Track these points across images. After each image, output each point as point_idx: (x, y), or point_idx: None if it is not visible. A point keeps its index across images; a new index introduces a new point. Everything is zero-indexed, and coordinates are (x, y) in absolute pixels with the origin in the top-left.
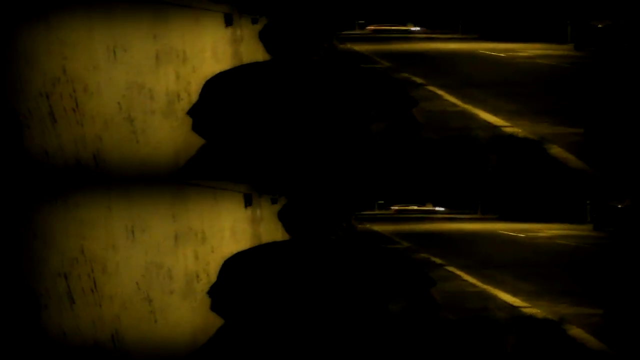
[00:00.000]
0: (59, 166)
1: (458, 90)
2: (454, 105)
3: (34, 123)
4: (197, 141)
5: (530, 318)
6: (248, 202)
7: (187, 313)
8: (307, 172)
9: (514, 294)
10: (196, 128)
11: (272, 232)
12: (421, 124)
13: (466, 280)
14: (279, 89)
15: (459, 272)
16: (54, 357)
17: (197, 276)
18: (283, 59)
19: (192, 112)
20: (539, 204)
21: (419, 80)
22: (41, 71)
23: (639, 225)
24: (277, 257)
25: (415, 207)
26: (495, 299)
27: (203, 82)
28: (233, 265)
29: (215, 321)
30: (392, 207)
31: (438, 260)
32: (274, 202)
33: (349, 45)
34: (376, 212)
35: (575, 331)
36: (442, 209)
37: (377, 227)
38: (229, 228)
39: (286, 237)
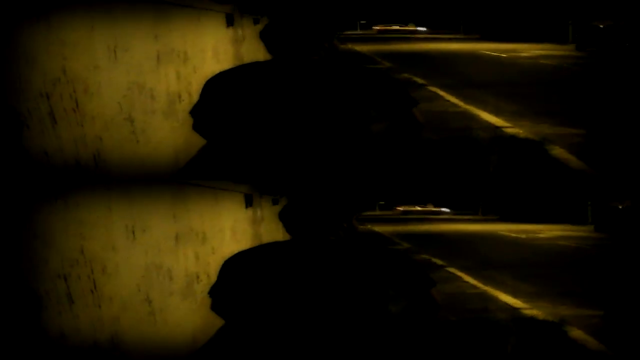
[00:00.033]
0: (59, 166)
1: (459, 91)
2: (455, 105)
3: (34, 123)
4: (197, 141)
5: (531, 319)
6: (249, 203)
7: (187, 314)
8: (308, 173)
9: (515, 295)
10: (197, 128)
11: (273, 232)
12: (422, 124)
13: (467, 282)
14: (279, 89)
15: (459, 273)
16: (54, 357)
17: (198, 277)
18: (284, 59)
19: (194, 111)
20: (539, 205)
21: (420, 80)
22: (41, 71)
23: (639, 227)
24: (278, 257)
25: (421, 208)
26: (495, 300)
27: (204, 82)
28: (233, 265)
29: (216, 322)
30: (398, 208)
31: (439, 262)
32: (275, 202)
33: (350, 46)
34: (382, 212)
35: (576, 332)
36: (447, 210)
37: (378, 228)
38: (229, 228)
39: (287, 237)
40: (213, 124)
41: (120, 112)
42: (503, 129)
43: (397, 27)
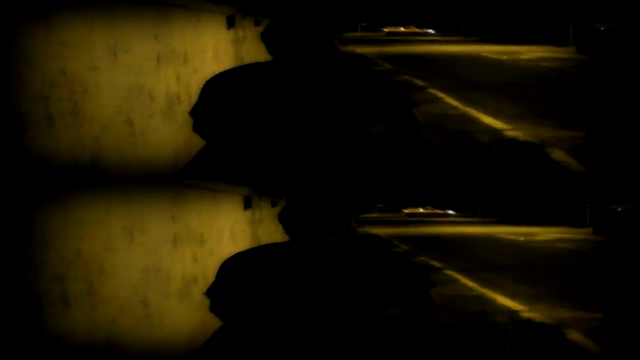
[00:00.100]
0: (58, 168)
1: (459, 93)
2: (455, 108)
3: (32, 125)
4: (197, 143)
5: (529, 322)
6: (247, 204)
7: (184, 316)
8: (307, 174)
9: (513, 297)
10: (197, 128)
11: (271, 234)
12: (422, 126)
13: (465, 284)
14: (279, 90)
15: (457, 276)
16: (50, 359)
17: (195, 279)
18: (284, 60)
19: (193, 112)
20: (538, 207)
21: (420, 82)
22: (40, 72)
23: (638, 229)
24: (276, 259)
25: (428, 211)
26: (494, 302)
27: (204, 83)
28: (232, 266)
29: (213, 324)
30: (404, 211)
31: (437, 264)
32: (274, 204)
33: (350, 48)
34: (385, 215)
35: (574, 335)
36: (452, 212)
37: (377, 230)
38: (228, 230)
39: (285, 239)
40: (212, 125)
41: (120, 114)
42: (503, 132)
43: (403, 30)
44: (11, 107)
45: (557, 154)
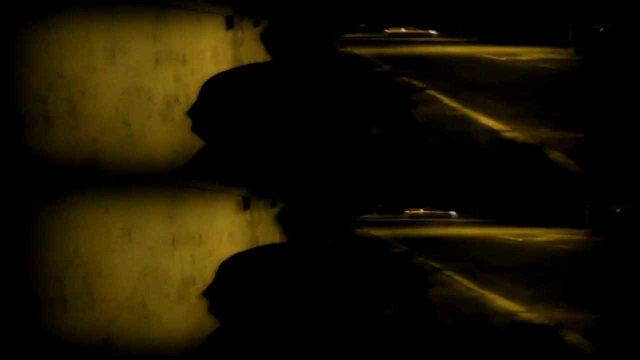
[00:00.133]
0: (56, 169)
1: (458, 94)
2: (454, 109)
3: (31, 125)
4: (195, 144)
5: (527, 323)
6: (246, 205)
7: (182, 317)
8: (306, 175)
9: (511, 298)
10: (195, 129)
11: (269, 235)
12: (420, 126)
13: (463, 285)
14: (278, 91)
15: (456, 277)
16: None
17: (193, 280)
18: (283, 60)
19: (191, 112)
20: (537, 208)
21: (419, 84)
22: (38, 73)
23: (637, 230)
24: (275, 260)
25: (427, 212)
26: (492, 303)
27: (202, 84)
28: (231, 267)
29: (211, 325)
30: (406, 212)
31: (435, 265)
32: (272, 205)
33: (349, 49)
34: (388, 215)
35: (572, 336)
36: (454, 213)
37: (375, 231)
38: (226, 231)
39: (283, 240)
40: (211, 125)
41: (118, 115)
42: (502, 133)
43: (405, 31)
44: (10, 107)
45: (556, 155)
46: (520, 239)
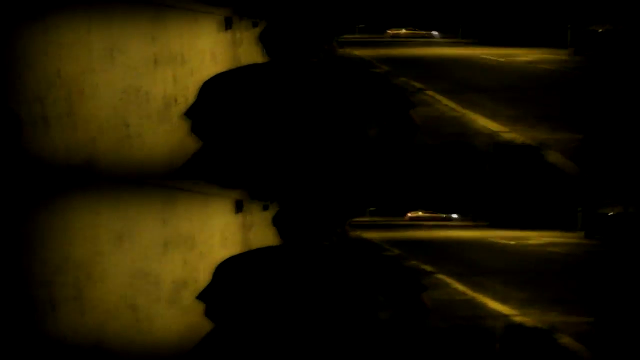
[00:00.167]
0: (53, 170)
1: (457, 95)
2: (452, 110)
3: (28, 126)
4: (192, 145)
5: (520, 326)
6: (239, 208)
7: (173, 321)
8: (303, 177)
9: (504, 301)
10: (194, 129)
11: (262, 238)
12: (418, 126)
13: (456, 288)
14: (275, 92)
15: (449, 280)
16: None
17: (185, 283)
18: (281, 62)
19: (189, 113)
20: (530, 211)
21: (417, 84)
22: (37, 74)
23: (630, 233)
24: (270, 263)
25: (430, 214)
26: (485, 306)
27: (200, 85)
28: (226, 270)
29: (202, 328)
30: (408, 215)
31: (428, 268)
32: (265, 208)
33: (348, 50)
34: (387, 218)
35: (565, 340)
36: (455, 216)
37: (368, 234)
38: (218, 234)
39: (276, 243)
40: (208, 126)
41: (116, 116)
42: (500, 134)
43: (408, 32)
44: (8, 108)
45: (554, 157)
46: (513, 242)
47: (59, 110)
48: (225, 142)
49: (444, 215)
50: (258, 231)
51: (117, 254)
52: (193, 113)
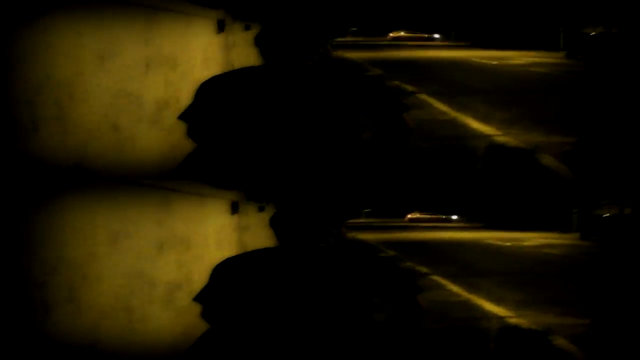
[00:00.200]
0: (43, 173)
1: (449, 98)
2: (445, 113)
3: (18, 129)
4: (184, 149)
5: (515, 328)
6: (234, 210)
7: (168, 322)
8: (298, 179)
9: (499, 303)
10: (189, 132)
11: (258, 240)
12: (411, 129)
13: (451, 289)
14: (271, 95)
15: (444, 281)
16: None
17: (180, 285)
18: (276, 65)
19: (184, 116)
20: (525, 212)
21: (410, 88)
22: (27, 77)
23: (626, 235)
24: (268, 264)
25: (430, 216)
26: (480, 308)
27: (193, 88)
28: (224, 272)
29: (197, 330)
30: (408, 216)
31: (423, 269)
32: (261, 209)
33: (340, 53)
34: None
35: (561, 341)
36: (455, 217)
37: (364, 236)
38: (214, 235)
39: (272, 245)
40: (204, 129)
41: (106, 119)
42: (493, 137)
43: (408, 34)
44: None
45: (547, 160)
46: (508, 243)
47: (49, 114)
48: (221, 143)
49: (444, 217)
50: (254, 233)
51: (112, 255)
52: (189, 116)
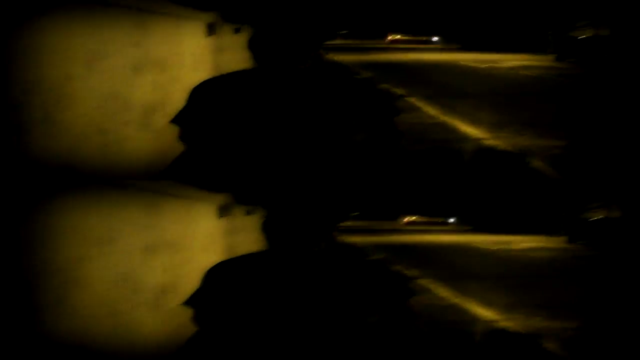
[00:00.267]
0: (30, 177)
1: (438, 102)
2: (434, 117)
3: (5, 133)
4: (172, 152)
5: (504, 331)
6: (223, 213)
7: (157, 326)
8: (289, 182)
9: (488, 306)
10: (182, 136)
11: (247, 243)
12: (402, 133)
13: (439, 293)
14: (262, 98)
15: (432, 285)
16: None
17: (167, 289)
18: (269, 68)
19: (177, 119)
20: (514, 216)
21: (399, 91)
22: (14, 80)
23: (614, 238)
24: (260, 268)
25: (427, 219)
26: (469, 311)
27: (182, 91)
28: (216, 275)
29: (184, 334)
30: (405, 220)
31: (411, 272)
32: (249, 213)
33: (329, 56)
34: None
35: (550, 345)
36: (452, 219)
37: (353, 239)
38: (202, 238)
39: (262, 248)
40: (195, 132)
41: (94, 123)
42: (482, 141)
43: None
44: None
45: (537, 163)
46: (497, 247)
47: (37, 117)
48: (211, 146)
49: (441, 220)
50: (243, 236)
51: (100, 259)
52: (181, 119)
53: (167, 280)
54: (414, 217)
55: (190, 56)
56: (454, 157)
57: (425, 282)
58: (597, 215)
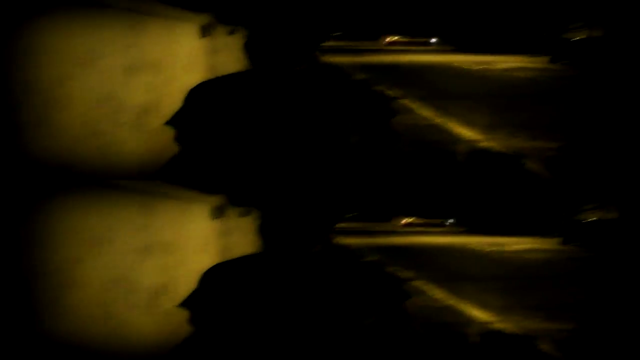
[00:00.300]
0: (25, 179)
1: (433, 103)
2: (429, 118)
3: (1, 133)
4: (167, 154)
5: (499, 333)
6: (218, 214)
7: (150, 329)
8: (285, 184)
9: (483, 308)
10: (177, 137)
11: (243, 245)
12: (397, 134)
13: (434, 295)
14: (257, 100)
15: (426, 287)
16: None
17: (162, 290)
18: (264, 70)
19: (172, 121)
20: (508, 217)
21: (392, 93)
22: (9, 81)
23: (609, 240)
24: (255, 270)
25: (423, 221)
26: (463, 313)
27: (176, 93)
28: (213, 277)
29: (179, 336)
30: (402, 221)
31: (405, 274)
32: (244, 214)
33: (324, 58)
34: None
35: (546, 347)
36: (451, 220)
37: (349, 241)
38: (198, 240)
39: (257, 250)
40: (190, 133)
41: (89, 125)
42: (476, 143)
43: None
44: None
45: (531, 165)
46: (492, 248)
47: (31, 118)
48: (206, 147)
49: (439, 221)
50: (238, 237)
51: (95, 260)
52: (176, 121)
53: (162, 282)
54: (410, 219)
55: (184, 58)
56: (449, 159)
57: (420, 284)
58: (592, 217)
